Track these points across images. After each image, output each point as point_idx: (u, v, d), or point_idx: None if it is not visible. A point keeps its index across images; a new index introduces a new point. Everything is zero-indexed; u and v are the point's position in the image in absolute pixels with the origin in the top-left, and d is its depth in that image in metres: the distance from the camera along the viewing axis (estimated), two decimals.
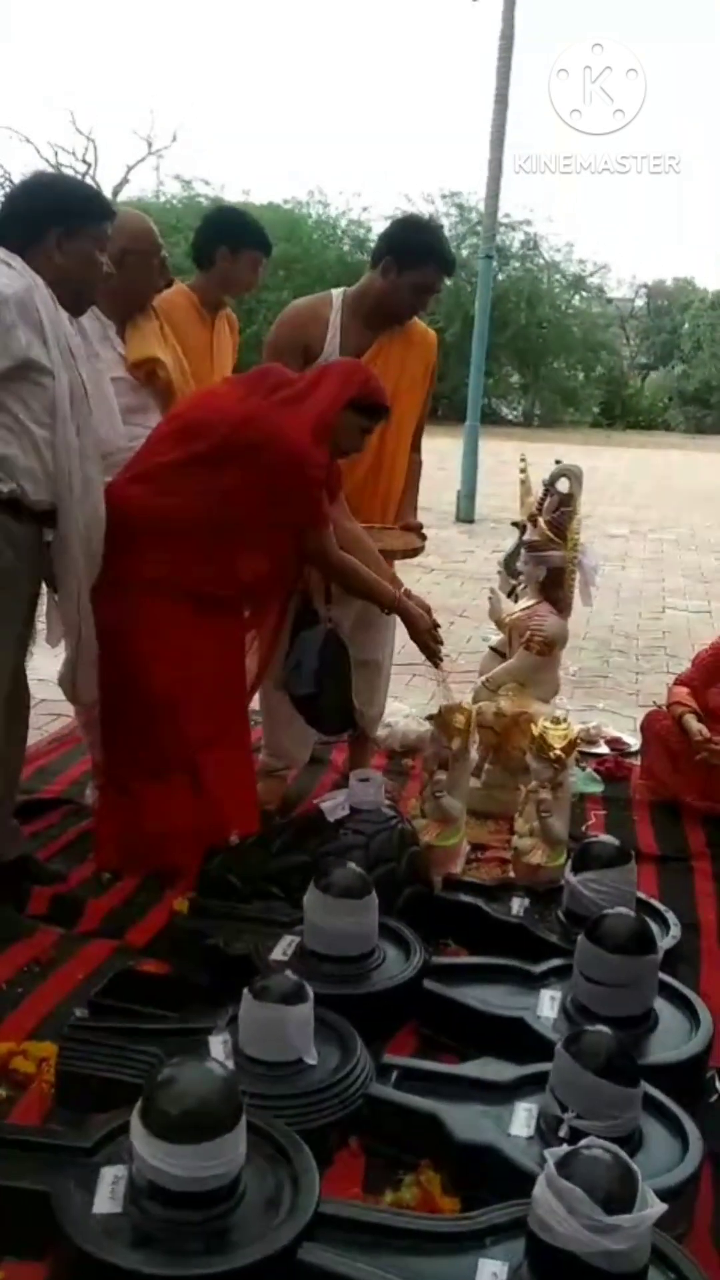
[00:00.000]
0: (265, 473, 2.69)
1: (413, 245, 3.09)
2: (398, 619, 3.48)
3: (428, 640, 3.07)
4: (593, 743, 4.09)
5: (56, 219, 2.40)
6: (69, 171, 26.22)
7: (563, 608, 3.48)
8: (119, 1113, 1.72)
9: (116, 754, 2.91)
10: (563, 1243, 1.40)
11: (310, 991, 1.97)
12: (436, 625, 3.12)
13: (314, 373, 2.86)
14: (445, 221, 23.86)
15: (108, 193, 27.76)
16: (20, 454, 2.37)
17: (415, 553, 3.30)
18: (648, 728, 3.71)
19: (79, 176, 26.61)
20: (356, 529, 3.03)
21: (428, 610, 3.11)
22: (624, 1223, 1.39)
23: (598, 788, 3.72)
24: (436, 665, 3.13)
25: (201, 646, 2.82)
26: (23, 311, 2.30)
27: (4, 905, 2.61)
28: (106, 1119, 1.75)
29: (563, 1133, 1.72)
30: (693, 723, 3.46)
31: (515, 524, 3.69)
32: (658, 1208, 1.43)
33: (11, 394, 2.33)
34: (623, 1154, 1.49)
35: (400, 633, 3.84)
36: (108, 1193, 1.61)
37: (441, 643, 3.13)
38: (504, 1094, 1.92)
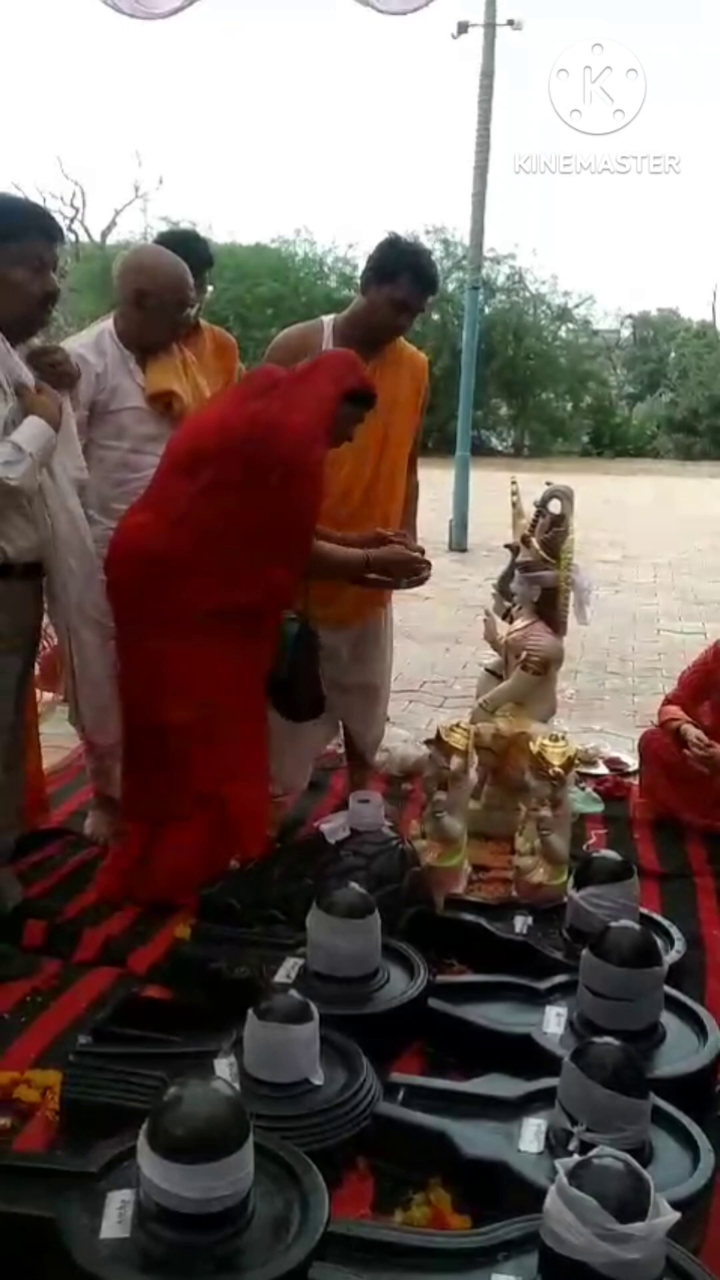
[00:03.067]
0: (277, 473, 2.67)
1: (388, 259, 3.11)
2: (393, 643, 3.51)
3: (408, 570, 3.03)
4: (591, 763, 4.09)
5: None
6: (58, 217, 26.48)
7: (557, 627, 3.49)
8: (125, 1137, 1.70)
9: (137, 791, 2.89)
10: (576, 1253, 1.39)
11: (315, 1011, 1.96)
12: (422, 554, 3.06)
13: (304, 367, 2.85)
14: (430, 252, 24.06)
15: (95, 235, 28.11)
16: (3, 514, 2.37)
17: (424, 579, 3.27)
18: (645, 747, 3.71)
19: (66, 220, 26.99)
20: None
21: (402, 544, 3.06)
22: (637, 1231, 1.38)
23: (598, 807, 3.71)
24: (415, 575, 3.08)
25: (229, 676, 2.79)
26: None
27: (2, 942, 2.59)
28: (112, 1144, 1.73)
29: (573, 1146, 1.70)
30: (691, 730, 3.46)
31: (508, 546, 3.71)
32: (671, 1216, 1.41)
33: None
34: (634, 1162, 1.48)
35: (399, 658, 3.85)
36: (115, 1217, 1.59)
37: (421, 562, 3.07)
38: (512, 1110, 1.91)
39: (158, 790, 2.82)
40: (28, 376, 2.50)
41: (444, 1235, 1.66)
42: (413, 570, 3.04)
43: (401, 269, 3.09)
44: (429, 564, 3.10)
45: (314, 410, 2.73)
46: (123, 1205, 1.60)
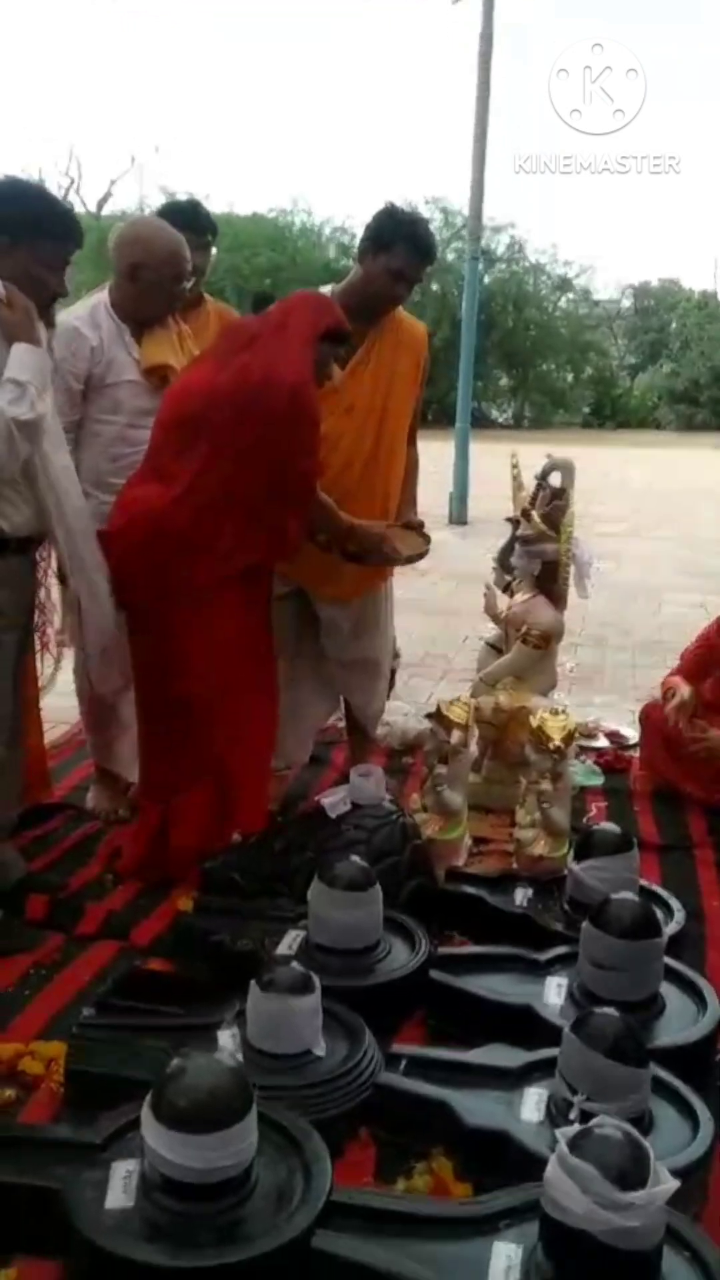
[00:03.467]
0: (274, 424, 2.66)
1: (384, 229, 3.07)
2: (392, 619, 3.51)
3: (384, 553, 3.06)
4: (591, 736, 4.09)
5: (3, 225, 2.35)
6: (53, 187, 26.27)
7: (558, 600, 3.49)
8: (129, 1108, 1.72)
9: (155, 766, 2.90)
10: (577, 1222, 1.40)
11: (317, 983, 1.97)
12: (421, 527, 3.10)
13: (278, 310, 2.82)
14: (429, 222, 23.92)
15: (91, 206, 27.90)
16: None
17: (421, 556, 3.27)
18: (646, 719, 3.71)
19: (62, 190, 26.77)
20: None
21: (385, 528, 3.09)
22: (638, 1199, 1.39)
23: (598, 780, 3.72)
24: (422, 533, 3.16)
25: (239, 643, 2.80)
26: None
27: (6, 915, 2.60)
28: (116, 1115, 1.75)
29: (573, 1116, 1.71)
30: (682, 688, 3.46)
31: (509, 519, 3.70)
32: (671, 1184, 1.42)
33: None
34: (634, 1132, 1.49)
35: (398, 632, 3.85)
36: (120, 1188, 1.61)
37: (398, 547, 3.11)
38: (513, 1080, 1.92)
39: (174, 765, 2.83)
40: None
41: (446, 1203, 1.68)
42: (384, 551, 3.05)
43: (398, 238, 3.05)
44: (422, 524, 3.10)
45: (299, 354, 2.71)
46: (127, 1175, 1.62)
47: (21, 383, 2.31)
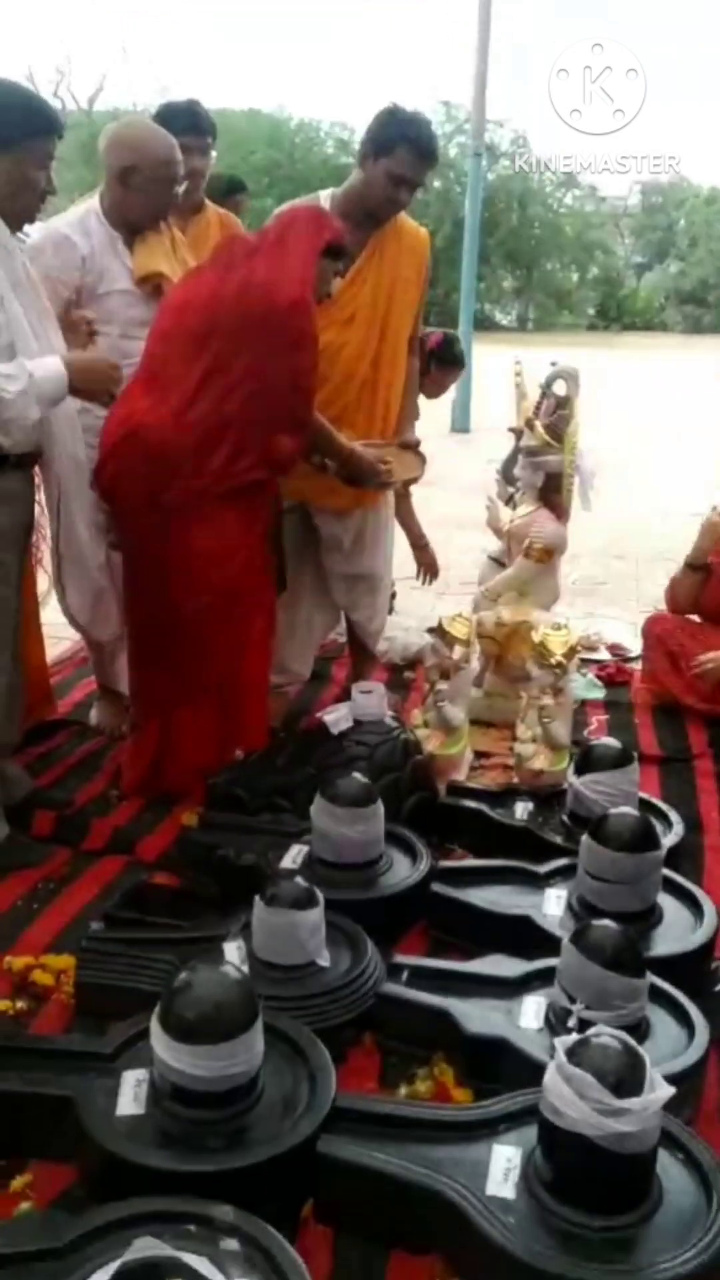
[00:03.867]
0: (272, 343, 2.62)
1: (385, 132, 2.97)
2: (398, 531, 3.49)
3: (381, 478, 3.05)
4: (593, 649, 4.10)
5: None
6: (43, 81, 25.37)
7: (561, 513, 3.45)
8: (138, 1019, 1.77)
9: (149, 686, 2.90)
10: (574, 1126, 1.44)
11: (320, 896, 2.01)
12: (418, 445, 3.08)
13: (277, 225, 2.77)
14: (431, 119, 23.14)
15: (82, 102, 26.94)
16: None
17: (415, 480, 3.24)
18: (649, 631, 3.71)
19: (53, 84, 25.81)
20: None
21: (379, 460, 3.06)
22: (633, 1106, 1.43)
23: (599, 693, 3.74)
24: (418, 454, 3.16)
25: (236, 557, 2.78)
26: None
27: (14, 831, 2.63)
28: (126, 1025, 1.80)
29: (571, 1023, 1.76)
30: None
31: (512, 430, 3.64)
32: (666, 1091, 1.47)
33: None
34: (631, 1041, 1.53)
35: (400, 544, 3.83)
36: (130, 1095, 1.66)
37: (390, 470, 3.09)
38: (512, 988, 1.96)
39: (167, 681, 2.83)
40: (35, 299, 2.45)
41: (447, 1108, 1.73)
42: (385, 478, 3.04)
43: (399, 141, 2.94)
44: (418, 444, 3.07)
45: (299, 271, 2.65)
46: (137, 1084, 1.67)
47: (32, 377, 2.28)
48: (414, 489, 4.05)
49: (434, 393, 4.20)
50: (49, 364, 2.34)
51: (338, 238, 2.72)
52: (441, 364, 4.11)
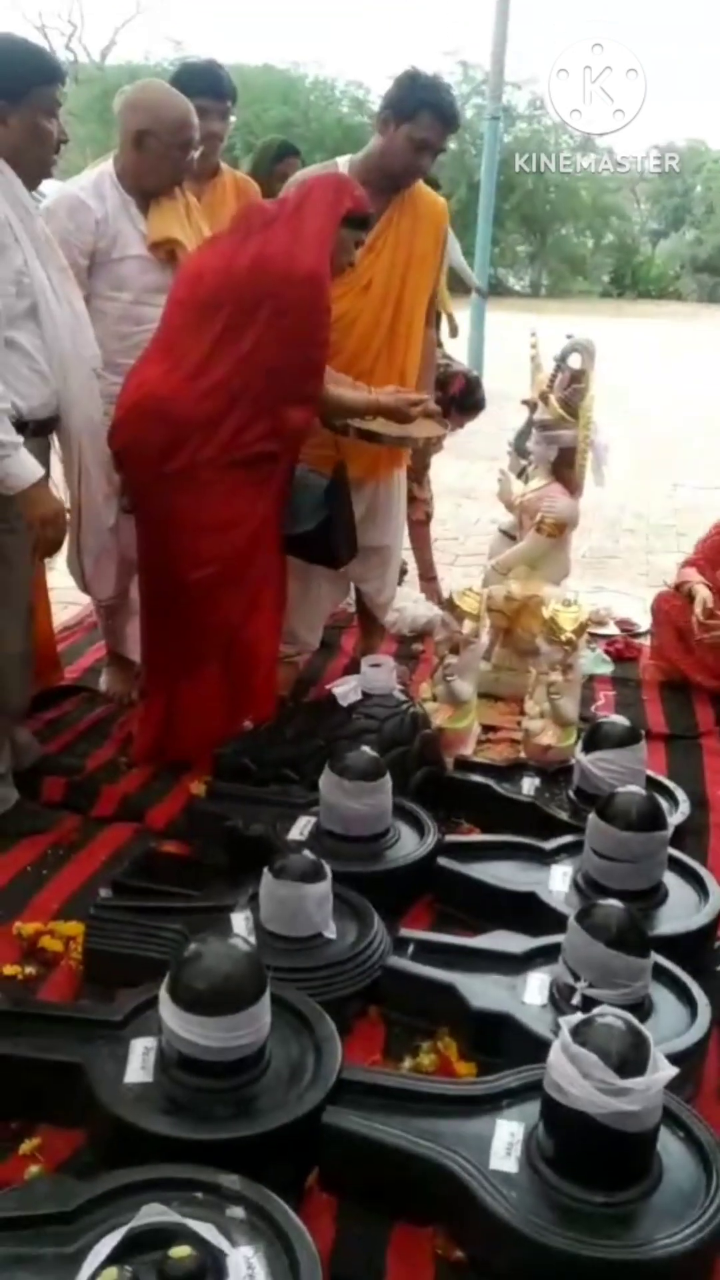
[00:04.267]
0: (285, 315, 2.60)
1: (406, 96, 2.92)
2: (405, 505, 3.47)
3: (419, 414, 2.97)
4: (602, 624, 4.09)
5: None
6: (55, 34, 25.02)
7: (574, 488, 3.43)
8: (146, 987, 1.79)
9: (158, 652, 2.90)
10: (577, 1104, 1.46)
11: (328, 869, 2.02)
12: (416, 401, 2.99)
13: (296, 194, 2.73)
14: (449, 81, 22.76)
15: (95, 55, 26.57)
16: (13, 371, 2.30)
17: (440, 440, 3.20)
18: (658, 608, 3.70)
19: (65, 38, 25.42)
20: None
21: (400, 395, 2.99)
22: (636, 1085, 1.45)
23: (607, 668, 3.73)
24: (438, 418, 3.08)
25: (245, 526, 2.77)
26: None
27: (23, 798, 2.65)
28: (134, 994, 1.82)
29: (575, 1001, 1.78)
30: (702, 591, 3.45)
31: (525, 402, 3.61)
32: (669, 1071, 1.48)
33: None
34: (635, 1021, 1.54)
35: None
36: (139, 1063, 1.68)
37: (426, 406, 3.02)
38: (518, 964, 1.98)
39: (177, 646, 2.83)
40: (56, 259, 2.44)
41: (451, 1082, 1.75)
42: (412, 414, 2.94)
43: (421, 106, 2.90)
44: (439, 411, 3.03)
45: (316, 242, 2.62)
46: (145, 1052, 1.69)
47: (4, 442, 2.26)
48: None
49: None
50: (29, 466, 2.32)
51: (359, 206, 2.69)
52: (462, 410, 4.04)
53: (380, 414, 2.91)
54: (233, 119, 3.61)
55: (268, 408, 2.68)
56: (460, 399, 4.00)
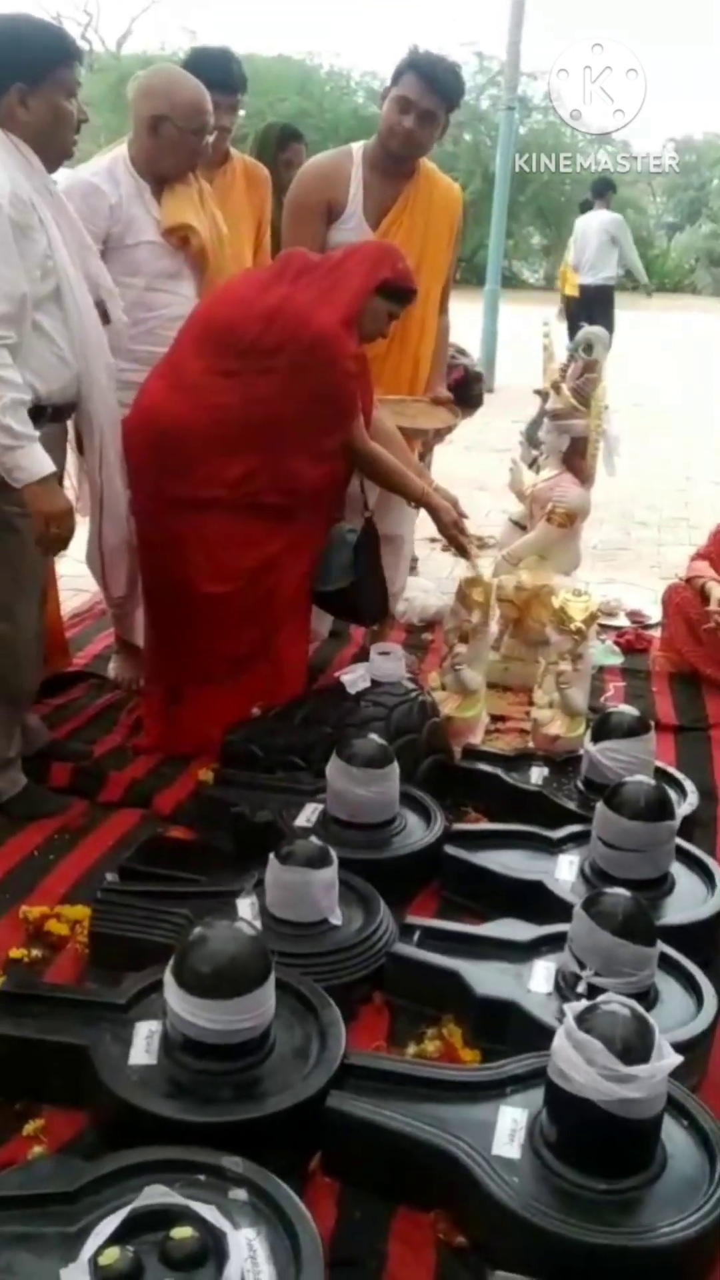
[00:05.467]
0: (301, 369, 2.59)
1: (399, 66, 2.94)
2: None
3: (455, 534, 3.01)
4: (612, 615, 4.08)
5: (16, 73, 2.23)
6: (70, 23, 24.96)
7: (585, 478, 3.42)
8: (151, 971, 1.79)
9: (160, 656, 2.91)
10: (581, 1091, 1.45)
11: (334, 855, 2.02)
12: (463, 516, 3.04)
13: (340, 254, 2.73)
14: (464, 72, 22.68)
15: (110, 45, 26.54)
16: (35, 354, 2.30)
17: (449, 430, 3.20)
18: (668, 600, 3.69)
19: (80, 27, 25.40)
20: (388, 424, 2.94)
21: (454, 503, 3.04)
22: (641, 1073, 1.44)
23: (616, 660, 3.72)
24: (466, 557, 3.06)
25: (265, 556, 2.75)
26: (19, 207, 2.20)
27: (31, 782, 2.65)
28: (139, 977, 1.82)
29: (581, 989, 1.77)
30: (716, 589, 3.44)
31: (538, 392, 3.60)
32: (673, 1059, 1.48)
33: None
34: (640, 1008, 1.54)
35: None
36: (143, 1046, 1.68)
37: (468, 534, 3.06)
38: (523, 952, 1.97)
39: (181, 654, 2.84)
40: (76, 239, 2.42)
41: (455, 1068, 1.75)
42: (452, 535, 3.01)
43: (407, 67, 2.92)
44: (467, 534, 3.08)
45: (342, 304, 2.60)
46: (150, 1035, 1.69)
47: (18, 433, 2.22)
48: (436, 449, 4.01)
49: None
50: (40, 460, 2.27)
51: (400, 278, 2.67)
52: (457, 404, 4.01)
53: (426, 509, 2.95)
54: (242, 112, 3.59)
55: (278, 458, 2.67)
56: (456, 391, 3.96)
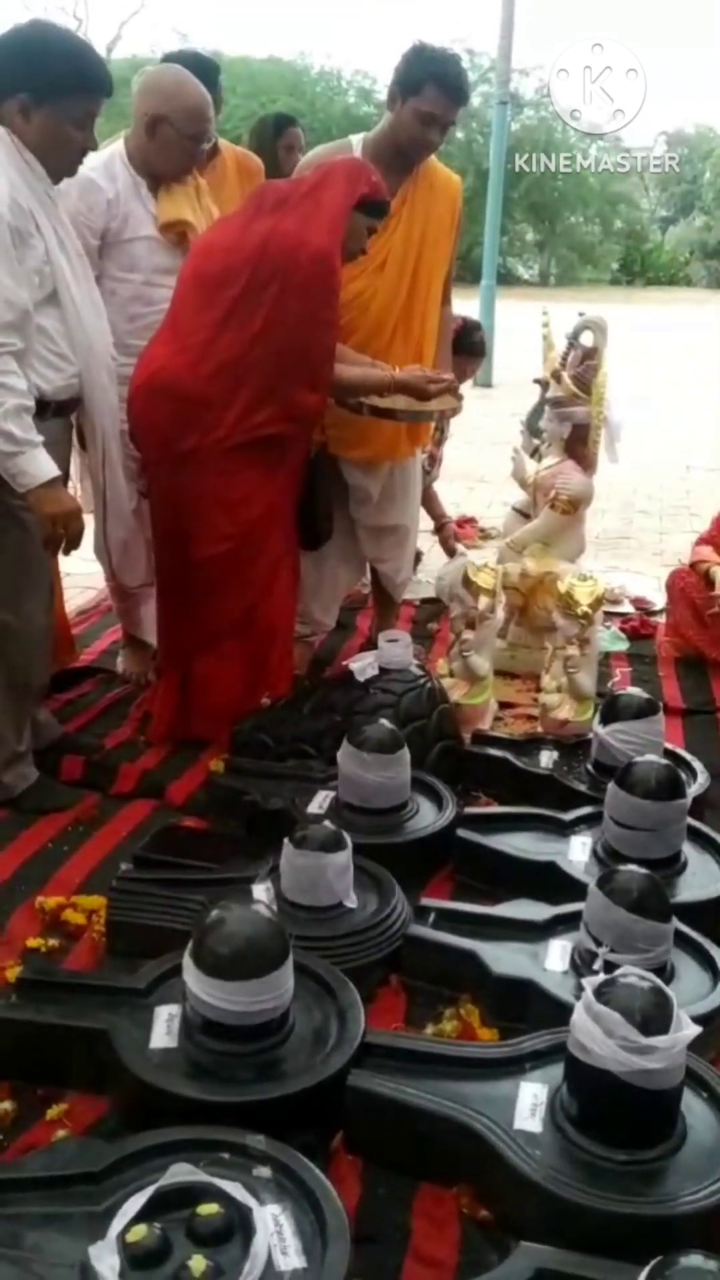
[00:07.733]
0: (296, 292, 2.59)
1: (412, 70, 2.90)
2: (420, 485, 3.47)
3: (432, 390, 2.93)
4: (617, 602, 4.09)
5: (24, 83, 2.21)
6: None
7: (588, 465, 3.42)
8: (169, 956, 1.80)
9: (173, 632, 2.91)
10: (601, 1063, 1.46)
11: (348, 840, 2.03)
12: (436, 379, 2.96)
13: (314, 176, 2.73)
14: None
15: (101, 50, 26.50)
16: (35, 352, 2.30)
17: (454, 413, 3.19)
18: (672, 585, 3.70)
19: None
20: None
21: (427, 373, 2.97)
22: (660, 1044, 1.45)
23: (623, 646, 3.73)
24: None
25: (258, 507, 2.77)
26: (18, 214, 2.21)
27: (43, 775, 2.66)
28: (158, 963, 1.83)
29: (597, 966, 1.77)
30: (716, 568, 3.45)
31: (538, 381, 3.61)
32: (692, 1030, 1.48)
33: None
34: (658, 980, 1.55)
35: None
36: (164, 1029, 1.69)
37: (442, 380, 2.97)
38: (539, 932, 1.98)
39: (192, 624, 2.84)
40: (74, 244, 2.43)
41: (474, 1045, 1.76)
42: (431, 392, 2.91)
43: (426, 79, 2.88)
44: (457, 386, 3.01)
45: (327, 224, 2.61)
46: (170, 1018, 1.70)
47: (20, 439, 2.21)
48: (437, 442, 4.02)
49: None
50: (43, 465, 2.26)
51: (375, 192, 2.67)
52: (457, 354, 4.00)
53: (400, 391, 2.90)
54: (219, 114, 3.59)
55: (277, 390, 2.68)
56: (456, 341, 3.90)
